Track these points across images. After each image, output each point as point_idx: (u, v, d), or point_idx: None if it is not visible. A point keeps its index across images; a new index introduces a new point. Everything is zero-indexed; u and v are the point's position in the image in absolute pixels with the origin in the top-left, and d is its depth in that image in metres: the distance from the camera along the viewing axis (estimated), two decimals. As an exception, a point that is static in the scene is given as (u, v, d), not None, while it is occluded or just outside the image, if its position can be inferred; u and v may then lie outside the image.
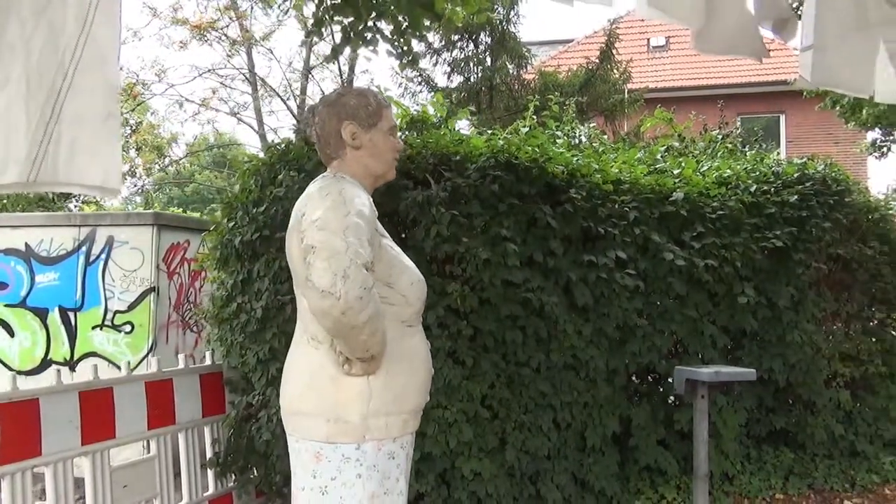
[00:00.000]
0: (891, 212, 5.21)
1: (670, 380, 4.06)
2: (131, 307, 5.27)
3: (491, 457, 3.47)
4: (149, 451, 3.50)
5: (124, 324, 5.28)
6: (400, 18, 3.75)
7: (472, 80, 8.75)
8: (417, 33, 3.79)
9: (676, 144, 5.69)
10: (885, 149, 11.88)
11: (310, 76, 15.16)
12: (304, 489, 1.77)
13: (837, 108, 9.27)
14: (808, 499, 4.24)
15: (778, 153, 7.79)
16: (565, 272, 3.67)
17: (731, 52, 1.94)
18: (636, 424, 3.95)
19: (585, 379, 3.74)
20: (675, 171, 4.42)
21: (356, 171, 1.89)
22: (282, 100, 14.93)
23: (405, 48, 3.90)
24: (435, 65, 9.09)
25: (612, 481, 3.88)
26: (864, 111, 9.10)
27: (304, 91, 15.32)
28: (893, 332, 5.04)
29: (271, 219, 3.58)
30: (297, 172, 3.63)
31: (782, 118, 17.63)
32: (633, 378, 4.22)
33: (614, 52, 9.31)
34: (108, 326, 5.30)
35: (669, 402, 4.23)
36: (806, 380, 4.33)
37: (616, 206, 3.91)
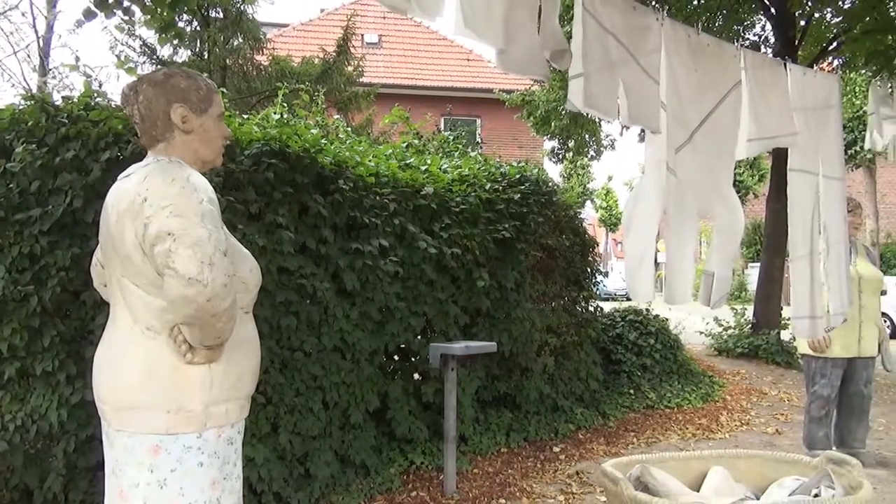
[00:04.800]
0: (580, 211, 6.40)
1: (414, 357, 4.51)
2: None
3: (264, 441, 3.49)
4: None
5: None
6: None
7: (202, 57, 8.26)
8: (184, 7, 3.59)
9: (416, 142, 6.19)
10: (560, 155, 14.19)
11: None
12: (138, 485, 1.69)
13: (531, 119, 10.82)
14: (525, 449, 5.03)
15: (478, 153, 8.88)
16: (335, 259, 3.85)
17: (524, 72, 2.33)
18: (393, 399, 4.30)
19: (351, 360, 3.96)
20: (423, 168, 4.86)
21: (185, 155, 1.84)
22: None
23: (166, 21, 3.67)
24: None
25: (371, 454, 4.17)
26: (553, 124, 10.81)
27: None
28: (579, 308, 6.22)
29: (5, 198, 3.11)
30: (36, 146, 3.21)
31: (479, 121, 19.82)
32: (392, 357, 4.56)
33: (350, 45, 9.60)
34: None
35: (417, 377, 4.67)
36: (524, 350, 5.13)
37: (378, 197, 4.19)
